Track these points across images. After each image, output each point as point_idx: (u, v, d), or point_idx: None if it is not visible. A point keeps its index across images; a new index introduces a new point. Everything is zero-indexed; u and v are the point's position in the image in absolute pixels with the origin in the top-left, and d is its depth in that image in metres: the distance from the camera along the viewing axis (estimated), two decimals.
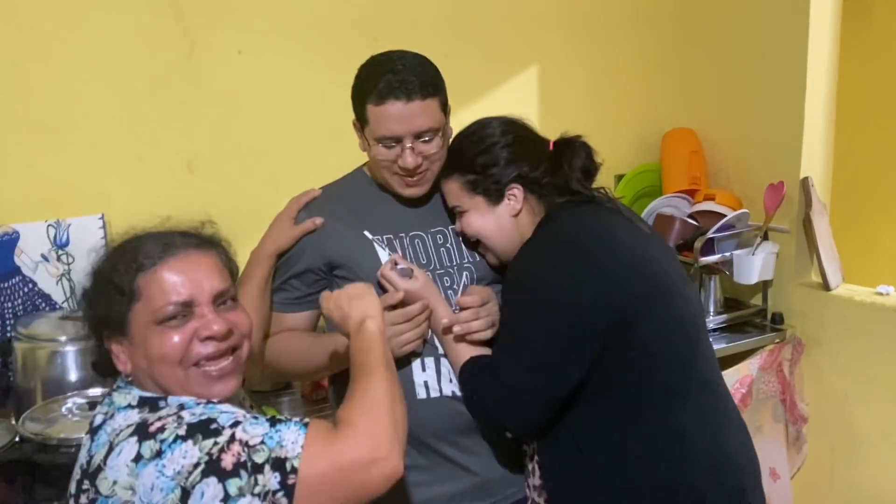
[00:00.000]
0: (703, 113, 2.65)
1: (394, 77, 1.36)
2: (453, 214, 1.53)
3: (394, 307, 1.40)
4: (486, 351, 1.41)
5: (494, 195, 1.42)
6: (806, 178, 2.34)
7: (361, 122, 1.44)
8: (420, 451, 1.47)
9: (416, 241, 1.50)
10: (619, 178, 2.72)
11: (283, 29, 2.17)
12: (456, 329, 1.40)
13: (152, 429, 0.97)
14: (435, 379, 1.45)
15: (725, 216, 2.36)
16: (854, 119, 2.52)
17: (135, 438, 0.97)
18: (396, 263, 1.43)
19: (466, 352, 1.41)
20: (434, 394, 1.44)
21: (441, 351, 1.45)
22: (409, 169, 1.41)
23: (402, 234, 1.49)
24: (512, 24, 2.48)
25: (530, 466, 1.49)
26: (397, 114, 1.37)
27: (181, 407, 1.03)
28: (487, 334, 1.41)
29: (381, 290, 1.42)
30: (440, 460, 1.47)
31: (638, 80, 2.74)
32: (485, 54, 2.41)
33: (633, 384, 1.32)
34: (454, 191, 1.45)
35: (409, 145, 1.39)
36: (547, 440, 1.39)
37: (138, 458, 0.95)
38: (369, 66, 1.43)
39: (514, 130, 1.46)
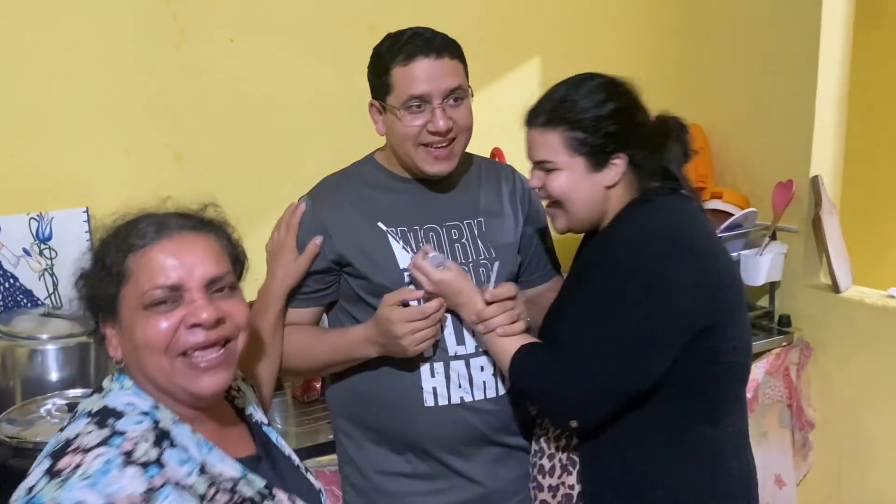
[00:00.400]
0: (709, 109, 2.58)
1: (419, 37, 1.33)
2: (469, 209, 1.45)
3: (406, 304, 1.34)
4: (532, 338, 1.33)
5: (598, 160, 1.29)
6: (816, 177, 2.28)
7: (383, 93, 1.37)
8: (423, 460, 1.42)
9: (430, 234, 1.43)
10: None
11: (277, 17, 2.09)
12: (479, 328, 1.34)
13: (58, 466, 0.89)
14: (444, 385, 1.39)
15: (732, 215, 2.30)
16: (865, 116, 2.45)
17: (46, 464, 0.90)
18: (427, 253, 1.35)
19: (512, 341, 1.31)
20: (442, 401, 1.39)
21: (451, 353, 1.39)
22: (440, 133, 1.34)
23: (416, 227, 1.42)
24: (513, 15, 2.42)
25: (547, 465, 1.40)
26: (426, 71, 1.32)
27: (104, 442, 0.91)
28: (516, 328, 1.34)
29: (413, 281, 1.37)
30: (444, 470, 1.42)
31: (642, 74, 2.62)
32: (485, 45, 2.34)
33: (692, 391, 1.26)
34: (552, 144, 1.30)
35: (438, 104, 1.33)
36: (587, 442, 1.32)
37: (31, 489, 0.88)
38: (389, 38, 1.38)
39: (630, 94, 1.34)
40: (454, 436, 1.40)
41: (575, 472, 1.35)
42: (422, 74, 1.32)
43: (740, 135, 2.49)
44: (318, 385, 1.95)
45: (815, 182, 2.28)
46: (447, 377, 1.39)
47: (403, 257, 1.39)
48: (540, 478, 1.40)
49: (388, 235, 1.40)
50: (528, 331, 1.35)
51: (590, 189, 1.30)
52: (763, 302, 2.44)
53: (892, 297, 2.17)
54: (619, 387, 1.23)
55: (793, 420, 2.32)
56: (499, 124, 2.20)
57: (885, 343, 2.14)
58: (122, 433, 0.93)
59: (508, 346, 1.30)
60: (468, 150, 1.47)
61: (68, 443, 0.92)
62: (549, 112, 1.31)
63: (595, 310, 1.25)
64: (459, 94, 1.36)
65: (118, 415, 0.96)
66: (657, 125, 1.36)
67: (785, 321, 2.36)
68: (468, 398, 1.40)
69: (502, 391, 1.43)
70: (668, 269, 1.22)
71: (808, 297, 2.32)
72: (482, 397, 1.41)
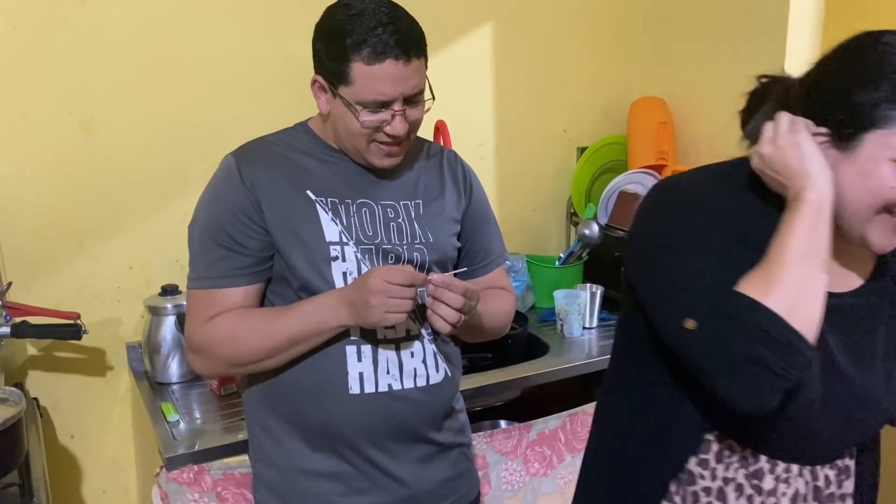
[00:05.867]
0: (673, 81, 2.42)
1: (385, 32, 1.17)
2: (408, 190, 1.33)
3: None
4: None
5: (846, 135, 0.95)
6: None
7: (336, 80, 1.22)
8: (345, 456, 1.29)
9: (363, 210, 1.30)
10: (582, 150, 2.51)
11: None
12: (433, 284, 1.20)
13: None
14: (371, 370, 1.27)
15: None
16: None
17: None
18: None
19: None
20: (369, 388, 1.27)
21: (380, 337, 1.27)
22: (397, 136, 1.24)
23: (349, 201, 1.30)
24: None
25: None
26: (394, 75, 1.19)
27: None
28: (450, 315, 1.20)
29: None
30: (367, 467, 1.30)
31: (604, 43, 2.51)
32: (435, 8, 2.16)
33: None
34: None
35: (399, 110, 1.22)
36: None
37: None
38: (346, 16, 1.20)
39: None
40: (380, 428, 1.28)
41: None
42: (388, 79, 1.19)
43: (706, 109, 2.34)
44: (238, 378, 1.79)
45: None
46: (375, 362, 1.28)
47: (331, 230, 1.27)
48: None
49: (317, 205, 1.27)
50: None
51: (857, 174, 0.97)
52: None
53: None
54: None
55: None
56: (445, 95, 2.04)
57: None
58: None
59: None
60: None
61: None
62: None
63: None
64: (420, 96, 1.26)
65: None
66: None
67: None
68: (397, 386, 1.28)
69: (434, 380, 1.32)
70: None
71: None
72: (412, 385, 1.30)
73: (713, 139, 2.33)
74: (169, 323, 1.83)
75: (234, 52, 1.96)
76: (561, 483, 1.92)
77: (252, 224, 1.25)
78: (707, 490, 1.05)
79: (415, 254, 1.32)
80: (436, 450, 1.36)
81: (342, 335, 1.26)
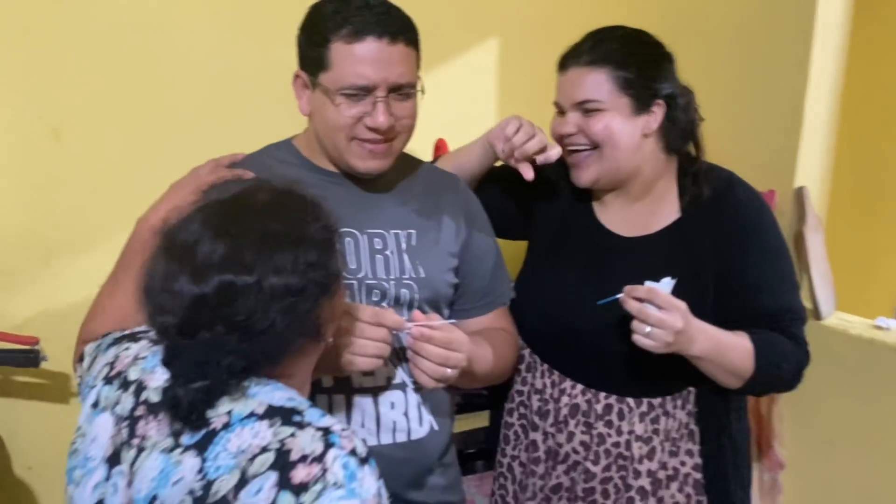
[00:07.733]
0: None
1: (370, 10, 1.10)
2: (400, 218, 1.23)
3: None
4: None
5: (641, 103, 1.35)
6: (801, 188, 2.03)
7: (316, 68, 1.13)
8: None
9: (346, 239, 1.19)
10: None
11: None
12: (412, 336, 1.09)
13: (296, 479, 0.79)
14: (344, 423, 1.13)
15: None
16: (858, 123, 2.21)
17: (275, 477, 0.79)
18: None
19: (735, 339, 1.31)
20: None
21: (356, 385, 1.16)
22: (379, 130, 1.12)
23: None
24: None
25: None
26: (375, 55, 1.10)
27: (327, 441, 0.81)
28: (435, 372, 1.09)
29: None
30: None
31: None
32: (438, 21, 2.03)
33: None
34: (598, 83, 1.34)
35: (382, 97, 1.11)
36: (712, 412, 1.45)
37: None
38: (332, 3, 1.13)
39: (665, 47, 1.43)
40: None
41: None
42: (370, 58, 1.09)
43: (718, 137, 2.19)
44: None
45: (799, 194, 2.04)
46: (348, 414, 1.16)
47: None
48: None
49: None
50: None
51: (632, 133, 1.35)
52: None
53: (880, 327, 1.94)
54: None
55: (761, 459, 2.08)
56: (445, 112, 1.92)
57: (868, 379, 1.91)
58: (332, 430, 0.83)
59: (739, 345, 1.31)
60: (416, 155, 1.29)
61: (280, 457, 0.80)
62: (594, 51, 1.35)
63: (780, 271, 1.40)
64: (408, 91, 1.14)
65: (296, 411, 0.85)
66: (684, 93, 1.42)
67: None
68: (372, 441, 1.16)
69: (417, 434, 1.20)
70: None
71: None
72: (390, 441, 1.18)
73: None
74: None
75: (219, 56, 1.82)
76: None
77: None
78: (521, 392, 1.47)
79: (403, 290, 1.19)
80: None
81: (312, 382, 1.14)
